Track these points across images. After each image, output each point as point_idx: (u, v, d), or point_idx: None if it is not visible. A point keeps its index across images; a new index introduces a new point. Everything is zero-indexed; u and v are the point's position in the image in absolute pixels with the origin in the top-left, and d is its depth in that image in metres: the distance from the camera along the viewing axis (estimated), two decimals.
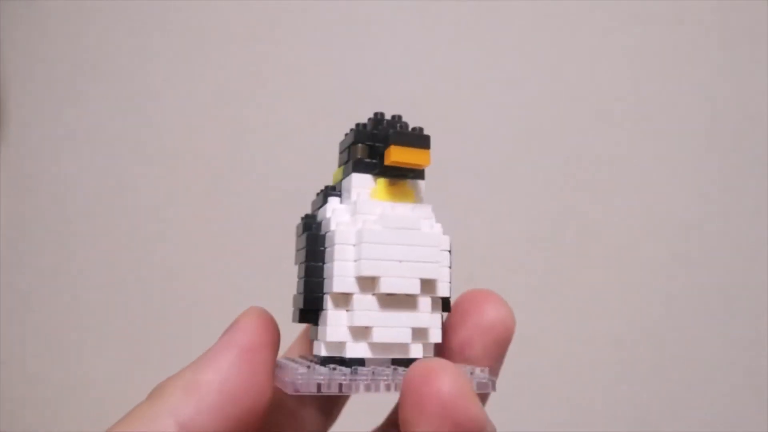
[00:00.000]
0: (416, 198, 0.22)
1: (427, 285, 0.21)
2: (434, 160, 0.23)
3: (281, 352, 0.23)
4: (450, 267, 0.22)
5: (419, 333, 0.21)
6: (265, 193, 0.53)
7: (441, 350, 0.24)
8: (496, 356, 0.23)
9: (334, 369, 0.20)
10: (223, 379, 0.19)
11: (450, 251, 0.23)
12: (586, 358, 0.50)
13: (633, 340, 0.50)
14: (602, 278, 0.50)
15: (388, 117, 0.23)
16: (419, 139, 0.21)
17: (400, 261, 0.21)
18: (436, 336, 0.22)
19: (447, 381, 0.16)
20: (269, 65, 0.54)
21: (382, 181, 0.22)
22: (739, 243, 0.50)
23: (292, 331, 0.24)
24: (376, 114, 0.23)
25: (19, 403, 0.52)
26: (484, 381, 0.21)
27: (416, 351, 0.21)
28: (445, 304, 0.22)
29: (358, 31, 0.54)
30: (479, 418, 0.17)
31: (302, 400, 0.24)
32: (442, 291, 0.21)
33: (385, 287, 0.20)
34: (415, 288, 0.21)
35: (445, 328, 0.24)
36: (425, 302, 0.21)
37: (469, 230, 0.49)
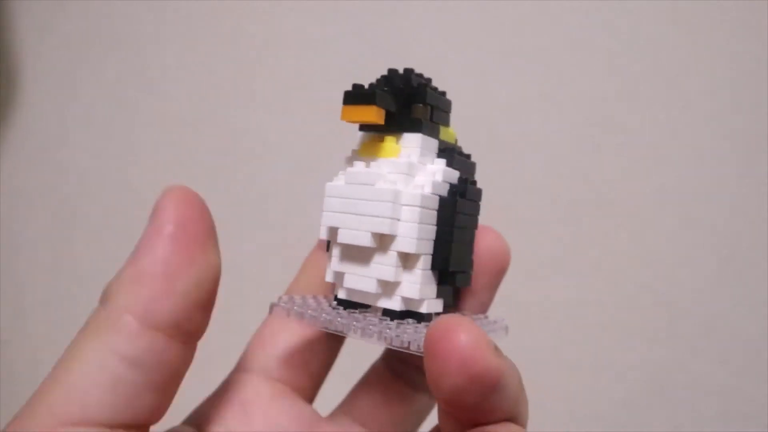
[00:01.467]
0: (403, 152, 0.22)
1: (384, 239, 0.21)
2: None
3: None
4: (426, 223, 0.22)
5: (388, 286, 0.22)
6: (281, 165, 0.52)
7: None
8: (492, 286, 0.26)
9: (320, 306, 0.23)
10: (163, 262, 0.19)
11: (436, 208, 0.22)
12: (604, 323, 0.48)
13: (650, 306, 0.48)
14: (622, 246, 0.48)
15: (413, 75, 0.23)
16: (364, 97, 0.21)
17: (356, 214, 0.22)
18: (411, 291, 0.22)
19: (463, 336, 0.17)
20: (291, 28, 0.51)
21: (367, 137, 0.23)
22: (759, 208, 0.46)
23: None
24: (389, 70, 0.23)
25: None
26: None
27: (393, 303, 0.22)
28: (436, 261, 0.22)
29: None
30: (496, 369, 0.17)
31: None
32: (405, 246, 0.21)
33: (340, 238, 0.22)
34: (366, 240, 0.21)
35: None
36: (390, 256, 0.22)
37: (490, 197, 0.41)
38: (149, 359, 0.18)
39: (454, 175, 0.23)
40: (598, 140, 0.48)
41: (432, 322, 0.19)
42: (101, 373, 0.18)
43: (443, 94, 0.24)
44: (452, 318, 0.18)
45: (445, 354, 0.17)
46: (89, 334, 0.19)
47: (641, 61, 0.47)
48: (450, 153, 0.23)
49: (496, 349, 0.18)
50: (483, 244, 0.25)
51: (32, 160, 0.55)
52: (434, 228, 0.22)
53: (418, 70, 0.23)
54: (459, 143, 0.25)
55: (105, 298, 0.19)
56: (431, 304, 0.22)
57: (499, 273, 0.26)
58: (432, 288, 0.22)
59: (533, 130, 0.49)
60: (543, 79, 0.48)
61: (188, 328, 0.19)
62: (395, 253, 0.22)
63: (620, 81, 0.47)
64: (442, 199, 0.22)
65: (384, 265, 0.22)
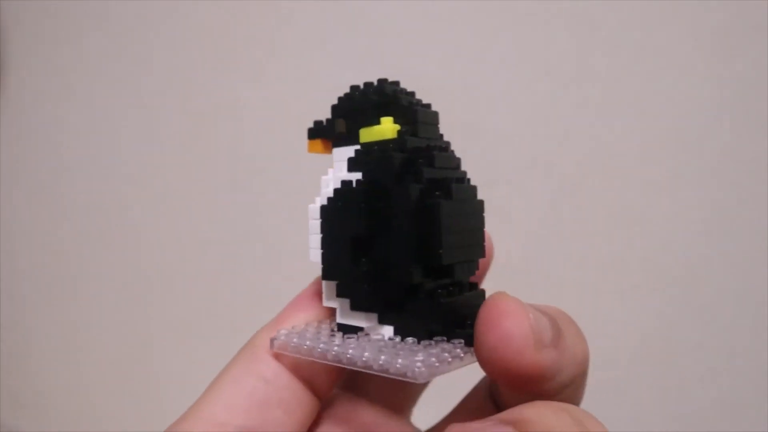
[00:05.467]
0: None
1: None
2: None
3: None
4: (317, 233, 0.22)
5: None
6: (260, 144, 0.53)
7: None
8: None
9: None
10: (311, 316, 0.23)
11: (318, 218, 0.22)
12: (590, 285, 0.48)
13: (635, 264, 0.48)
14: (605, 203, 0.48)
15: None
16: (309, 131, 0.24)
17: None
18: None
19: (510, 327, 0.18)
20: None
21: None
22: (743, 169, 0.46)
23: None
24: (365, 84, 0.23)
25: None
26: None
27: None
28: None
29: None
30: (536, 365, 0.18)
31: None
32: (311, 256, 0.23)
33: None
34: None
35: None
36: None
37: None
38: (280, 379, 0.21)
39: (356, 177, 0.22)
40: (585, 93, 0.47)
41: (486, 301, 0.19)
42: (238, 384, 0.21)
43: (415, 98, 0.23)
44: (500, 303, 0.18)
45: (491, 345, 0.18)
46: (233, 360, 0.22)
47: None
48: (358, 155, 0.22)
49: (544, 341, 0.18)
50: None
51: (20, 144, 0.56)
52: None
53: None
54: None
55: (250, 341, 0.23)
56: (341, 314, 0.22)
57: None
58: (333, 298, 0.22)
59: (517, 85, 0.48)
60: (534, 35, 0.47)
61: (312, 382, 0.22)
62: None
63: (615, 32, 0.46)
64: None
65: None
